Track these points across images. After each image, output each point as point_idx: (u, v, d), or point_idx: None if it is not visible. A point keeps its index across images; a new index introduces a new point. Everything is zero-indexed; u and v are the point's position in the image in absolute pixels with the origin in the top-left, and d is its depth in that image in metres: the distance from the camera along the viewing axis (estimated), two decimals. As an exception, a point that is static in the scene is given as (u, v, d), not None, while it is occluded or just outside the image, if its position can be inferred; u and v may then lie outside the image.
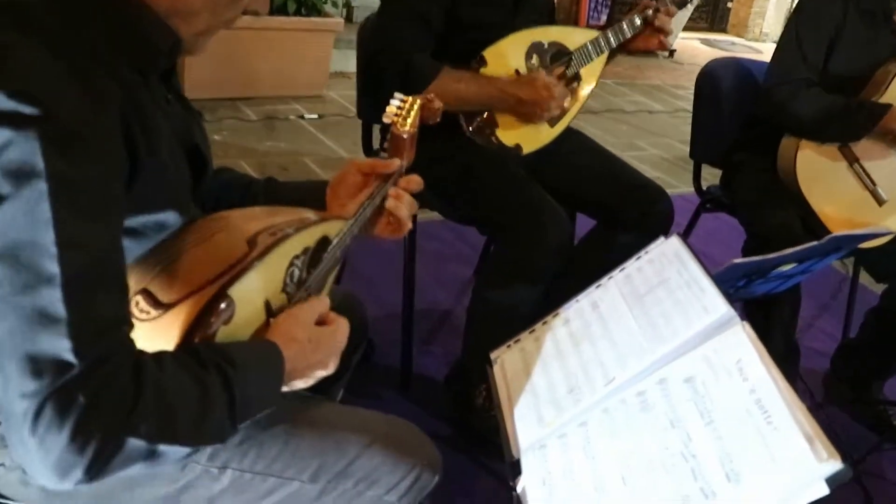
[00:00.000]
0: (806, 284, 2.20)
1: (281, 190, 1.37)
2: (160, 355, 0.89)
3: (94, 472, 0.82)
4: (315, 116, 4.53)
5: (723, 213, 2.73)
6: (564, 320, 1.37)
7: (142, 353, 0.88)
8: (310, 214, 1.17)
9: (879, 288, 2.56)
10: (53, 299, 0.80)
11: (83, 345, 0.81)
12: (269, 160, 3.90)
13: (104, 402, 0.81)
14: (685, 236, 2.91)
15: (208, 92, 4.33)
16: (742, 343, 1.07)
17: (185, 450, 0.89)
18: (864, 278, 2.82)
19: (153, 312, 0.96)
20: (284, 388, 1.04)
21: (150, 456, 0.85)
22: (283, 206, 1.20)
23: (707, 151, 2.79)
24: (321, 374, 1.09)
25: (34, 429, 0.79)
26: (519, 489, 1.12)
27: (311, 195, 1.35)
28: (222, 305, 0.96)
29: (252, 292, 1.02)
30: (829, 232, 2.24)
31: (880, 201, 2.41)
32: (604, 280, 1.40)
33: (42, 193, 0.81)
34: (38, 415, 0.79)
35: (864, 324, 2.59)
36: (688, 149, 2.86)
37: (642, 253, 1.40)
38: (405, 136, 1.36)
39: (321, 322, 1.11)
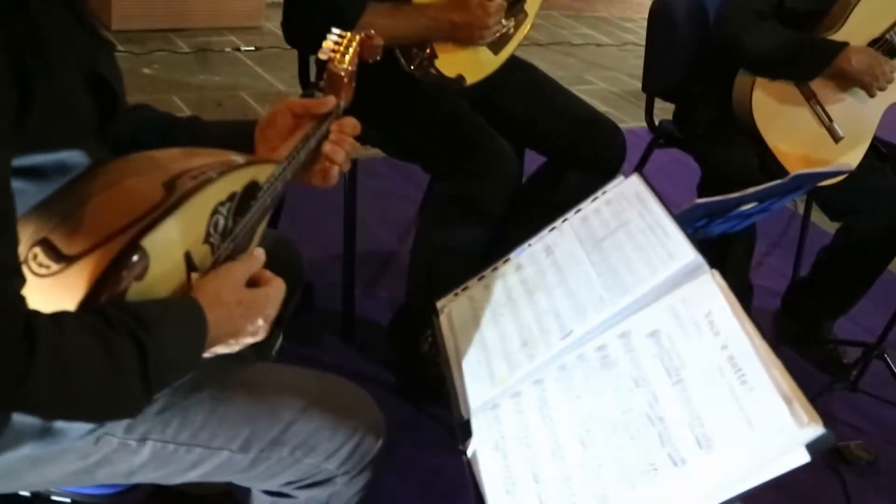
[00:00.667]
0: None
1: (205, 130, 1.23)
2: (59, 316, 0.77)
3: None
4: (252, 48, 4.31)
5: (674, 150, 2.65)
6: (516, 266, 1.27)
7: (35, 313, 0.75)
8: (237, 157, 1.04)
9: (830, 226, 2.52)
10: None
11: None
12: (204, 95, 3.70)
13: None
14: (639, 169, 2.85)
15: (138, 23, 4.08)
16: (712, 293, 0.98)
17: (87, 426, 0.77)
18: (815, 216, 2.78)
19: (54, 266, 0.82)
20: (205, 355, 0.93)
21: (45, 434, 0.74)
22: (207, 148, 1.06)
23: (660, 84, 2.69)
24: (249, 341, 0.98)
25: None
26: (469, 453, 1.03)
27: (239, 137, 1.21)
28: (134, 258, 0.83)
29: (169, 244, 0.89)
30: (785, 170, 2.19)
31: (836, 138, 2.35)
32: (558, 223, 1.30)
33: None
34: None
35: (815, 262, 2.55)
36: (637, 83, 2.76)
37: (599, 193, 1.30)
38: (343, 73, 1.25)
39: (253, 283, 0.99)
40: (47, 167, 0.89)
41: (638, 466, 0.88)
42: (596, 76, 5.11)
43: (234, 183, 1.00)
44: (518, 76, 2.18)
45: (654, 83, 2.70)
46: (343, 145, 1.21)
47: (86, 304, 0.81)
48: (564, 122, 2.17)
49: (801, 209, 2.87)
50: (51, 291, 0.81)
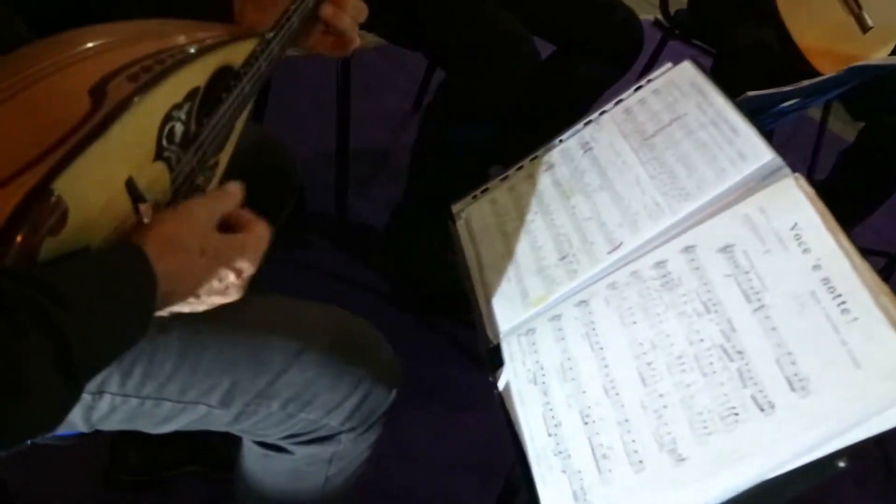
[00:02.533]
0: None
1: None
2: None
3: None
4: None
5: (686, 48, 2.47)
6: (547, 165, 1.09)
7: None
8: (203, 32, 0.77)
9: (841, 129, 2.35)
10: None
11: None
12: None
13: None
14: (648, 68, 2.66)
15: None
16: (797, 202, 0.81)
17: None
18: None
19: None
20: (160, 313, 0.72)
21: None
22: (164, 20, 0.78)
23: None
24: (216, 301, 0.77)
25: None
26: (500, 385, 0.88)
27: (212, 3, 0.91)
28: (42, 213, 0.58)
29: (99, 174, 0.64)
30: (806, 60, 2.01)
31: (865, 27, 2.16)
32: (594, 115, 1.12)
33: None
34: None
35: (834, 165, 2.40)
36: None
37: (643, 82, 1.11)
38: None
39: (228, 227, 0.77)
40: None
41: (714, 410, 0.73)
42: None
43: (195, 76, 0.74)
44: None
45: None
46: (344, 6, 0.93)
47: None
48: (576, 6, 1.97)
49: (813, 113, 2.71)
50: None
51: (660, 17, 3.43)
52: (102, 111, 0.63)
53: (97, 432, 0.92)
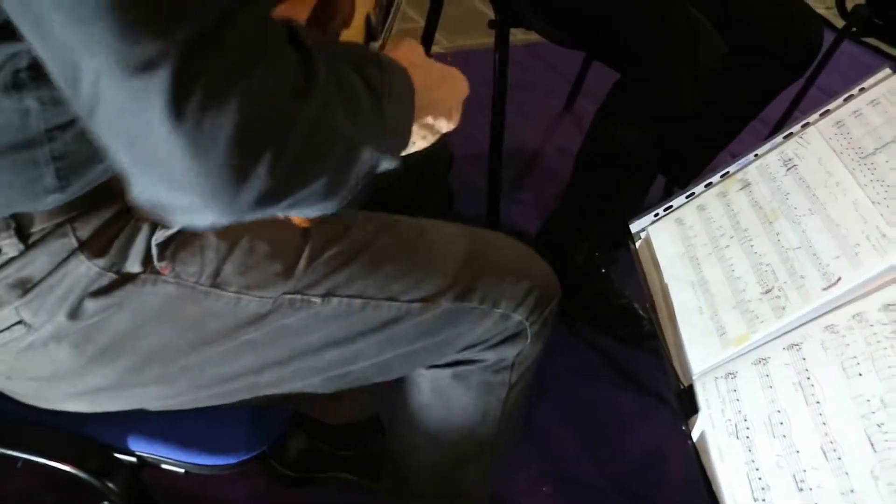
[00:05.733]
0: None
1: None
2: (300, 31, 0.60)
3: (275, 180, 0.54)
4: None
5: (864, 48, 2.28)
6: (741, 183, 0.98)
7: (292, 22, 0.60)
8: None
9: None
10: None
11: None
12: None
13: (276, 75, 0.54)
14: (817, 71, 2.47)
15: None
16: None
17: (370, 155, 0.66)
18: None
19: None
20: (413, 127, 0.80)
21: (347, 160, 0.63)
22: None
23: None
24: (442, 126, 0.87)
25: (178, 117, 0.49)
26: (695, 434, 0.78)
27: None
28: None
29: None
30: None
31: None
32: (795, 127, 1.00)
33: None
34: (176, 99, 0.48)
35: None
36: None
37: (854, 90, 0.99)
38: None
39: None
40: None
41: (968, 489, 0.62)
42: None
43: None
44: None
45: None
46: None
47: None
48: (750, 2, 1.82)
49: None
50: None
51: (824, 13, 3.22)
52: None
53: (250, 460, 0.88)
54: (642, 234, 1.02)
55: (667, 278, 0.94)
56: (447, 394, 1.02)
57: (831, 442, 0.70)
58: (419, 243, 0.93)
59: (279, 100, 0.53)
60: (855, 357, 0.73)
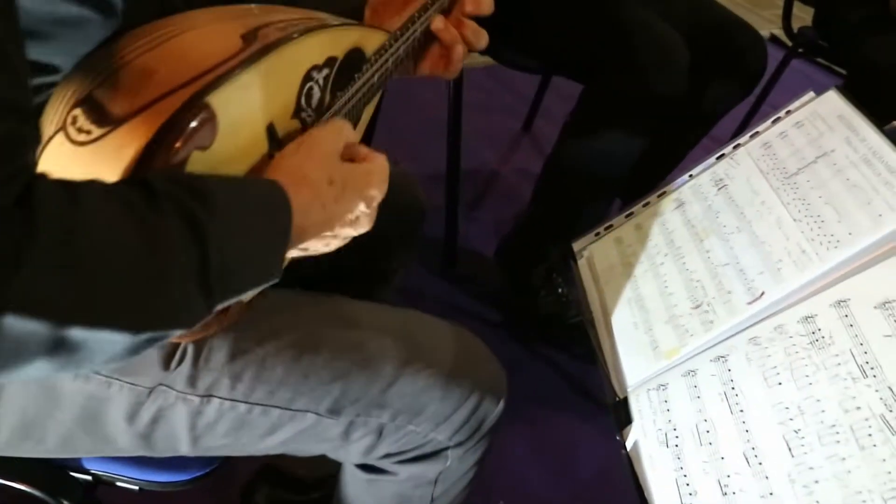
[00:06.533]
0: None
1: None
2: (76, 185, 0.53)
3: None
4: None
5: (805, 65, 2.34)
6: (677, 202, 1.02)
7: (41, 176, 0.51)
8: (336, 19, 0.81)
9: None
10: None
11: None
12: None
13: None
14: (767, 90, 2.54)
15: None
16: (970, 254, 0.73)
17: (121, 337, 0.53)
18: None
19: (96, 131, 0.61)
20: (294, 253, 0.71)
21: (56, 346, 0.50)
22: (297, 7, 0.81)
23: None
24: (349, 234, 0.75)
25: None
26: (628, 444, 0.82)
27: (344, 6, 0.93)
28: (196, 121, 0.62)
29: (246, 107, 0.67)
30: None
31: None
32: (727, 148, 1.05)
33: None
34: None
35: None
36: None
37: (781, 113, 1.04)
38: None
39: (348, 158, 0.75)
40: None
41: (874, 490, 0.66)
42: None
43: (333, 45, 0.77)
44: None
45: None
46: (463, 29, 0.93)
47: (130, 176, 0.60)
48: (695, 24, 1.87)
49: None
50: (91, 163, 0.60)
51: (777, 33, 3.30)
52: (253, 48, 0.66)
53: (207, 475, 0.90)
54: (584, 253, 1.06)
55: (606, 296, 0.98)
56: (370, 489, 0.98)
57: (753, 448, 0.74)
58: (338, 342, 0.87)
59: None
60: (775, 367, 0.77)
